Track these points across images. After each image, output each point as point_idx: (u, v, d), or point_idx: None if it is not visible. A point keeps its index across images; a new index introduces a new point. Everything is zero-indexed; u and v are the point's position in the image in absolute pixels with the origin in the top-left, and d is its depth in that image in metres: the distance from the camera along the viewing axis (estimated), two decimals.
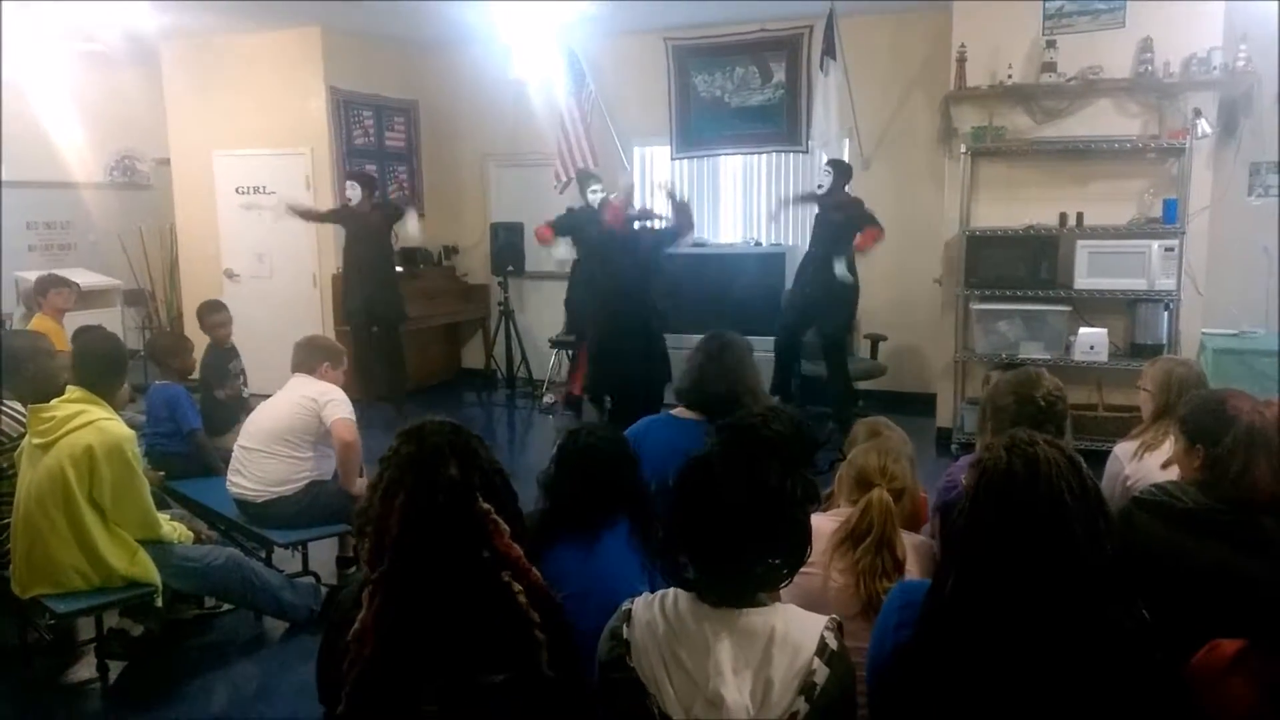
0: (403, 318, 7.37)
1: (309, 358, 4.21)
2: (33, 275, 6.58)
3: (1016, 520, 1.47)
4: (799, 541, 1.60)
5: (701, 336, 3.34)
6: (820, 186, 6.47)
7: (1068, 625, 1.45)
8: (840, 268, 6.21)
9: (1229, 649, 1.58)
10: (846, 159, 7.39)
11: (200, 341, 5.26)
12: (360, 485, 4.09)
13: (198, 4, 6.74)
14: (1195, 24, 5.66)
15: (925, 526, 2.66)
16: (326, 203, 7.87)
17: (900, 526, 2.21)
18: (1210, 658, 1.59)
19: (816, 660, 1.51)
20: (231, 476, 4.08)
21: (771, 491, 1.56)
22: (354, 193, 7.05)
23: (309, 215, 7.21)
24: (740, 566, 1.56)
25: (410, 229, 7.37)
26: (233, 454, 4.13)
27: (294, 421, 4.02)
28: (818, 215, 6.55)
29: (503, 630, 1.58)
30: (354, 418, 4.09)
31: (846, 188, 6.43)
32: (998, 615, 1.47)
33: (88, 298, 7.42)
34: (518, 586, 1.60)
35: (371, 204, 7.16)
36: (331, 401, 4.05)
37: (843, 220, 6.31)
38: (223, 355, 5.31)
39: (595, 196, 6.53)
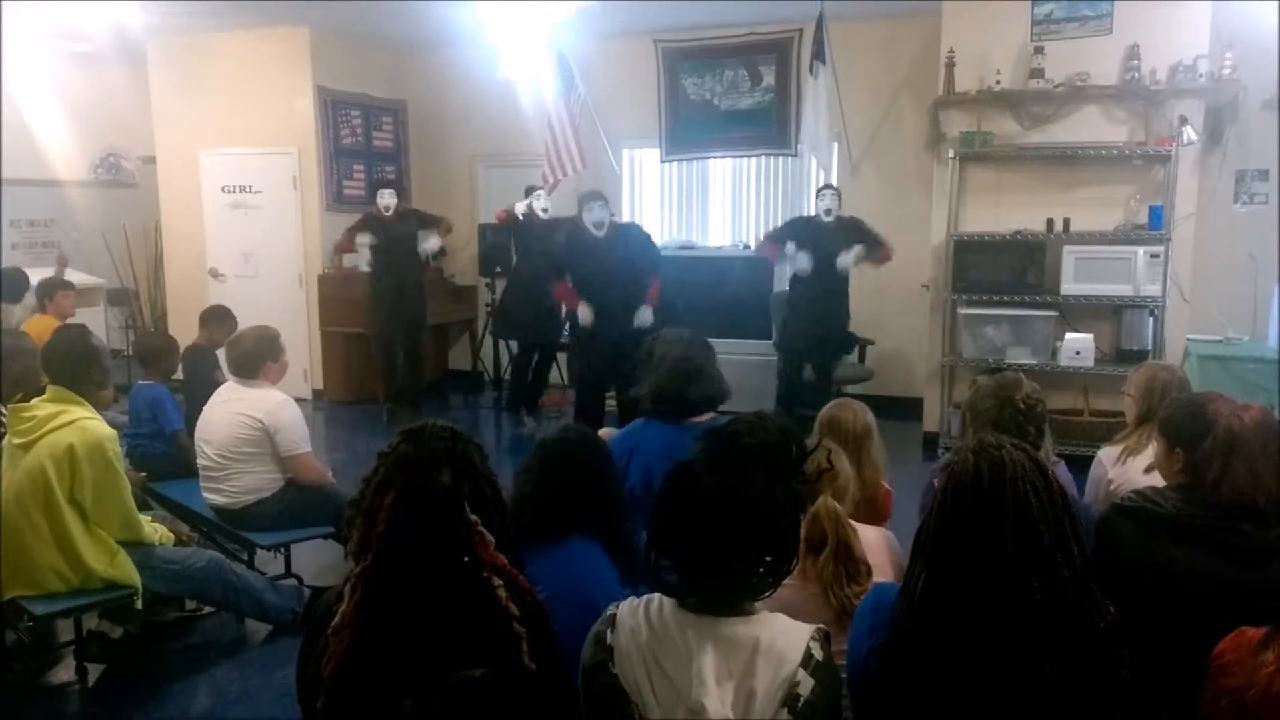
0: (423, 324, 7.45)
1: (252, 362, 3.99)
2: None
3: (983, 522, 1.50)
4: (785, 550, 1.59)
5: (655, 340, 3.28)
6: (829, 212, 6.15)
7: (1037, 624, 1.47)
8: (855, 254, 6.08)
9: (1254, 633, 1.63)
10: (835, 162, 7.42)
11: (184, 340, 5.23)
12: (329, 476, 4.12)
13: (187, 2, 6.69)
14: (1181, 32, 5.70)
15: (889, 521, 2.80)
16: (313, 201, 7.86)
17: (860, 519, 2.25)
18: (1239, 640, 1.64)
19: (801, 671, 1.50)
20: (205, 489, 4.02)
21: (756, 499, 1.55)
22: (389, 200, 7.07)
23: (343, 247, 7.29)
24: (726, 574, 1.55)
25: (428, 245, 7.36)
26: (199, 469, 4.03)
27: (242, 443, 3.88)
28: (816, 238, 6.17)
29: (483, 625, 1.58)
30: (308, 440, 4.00)
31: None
32: (968, 615, 1.50)
33: None
34: (497, 581, 1.60)
35: (399, 211, 7.17)
36: (281, 430, 3.88)
37: (846, 241, 6.19)
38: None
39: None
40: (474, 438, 1.76)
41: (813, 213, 6.49)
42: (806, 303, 6.25)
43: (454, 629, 1.58)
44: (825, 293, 6.17)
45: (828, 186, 6.35)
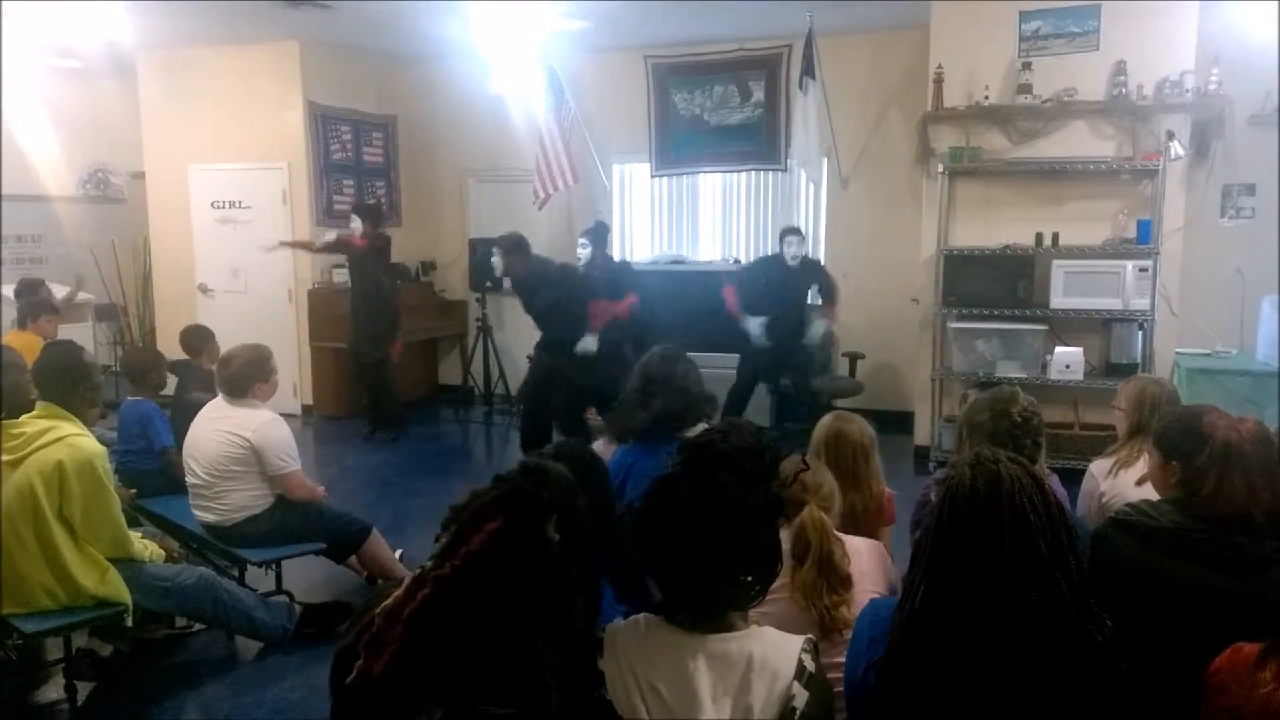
0: (379, 347, 7.16)
1: (242, 382, 3.96)
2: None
3: (981, 535, 1.50)
4: (767, 557, 1.59)
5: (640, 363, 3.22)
6: (795, 259, 6.31)
7: (1035, 637, 1.47)
8: (823, 327, 6.41)
9: (1251, 649, 1.62)
10: (825, 178, 7.47)
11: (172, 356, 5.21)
12: (321, 491, 4.11)
13: (176, 13, 6.67)
14: (1167, 47, 5.76)
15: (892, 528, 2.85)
16: (303, 217, 7.85)
17: (869, 525, 2.23)
18: (1236, 657, 1.63)
19: (795, 685, 1.50)
20: (194, 507, 4.00)
21: (732, 507, 1.54)
22: (357, 225, 7.04)
23: (304, 246, 7.30)
24: (709, 587, 1.54)
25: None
26: (188, 487, 4.01)
27: (230, 461, 3.87)
28: (780, 279, 6.38)
29: (515, 667, 1.52)
30: (297, 458, 3.99)
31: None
32: (966, 628, 1.49)
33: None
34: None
35: (370, 236, 7.10)
36: (268, 449, 3.86)
37: (810, 284, 6.49)
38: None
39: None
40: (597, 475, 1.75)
41: (779, 251, 6.49)
42: (774, 344, 6.43)
43: (490, 662, 1.51)
44: (788, 334, 6.39)
45: (793, 231, 6.44)
